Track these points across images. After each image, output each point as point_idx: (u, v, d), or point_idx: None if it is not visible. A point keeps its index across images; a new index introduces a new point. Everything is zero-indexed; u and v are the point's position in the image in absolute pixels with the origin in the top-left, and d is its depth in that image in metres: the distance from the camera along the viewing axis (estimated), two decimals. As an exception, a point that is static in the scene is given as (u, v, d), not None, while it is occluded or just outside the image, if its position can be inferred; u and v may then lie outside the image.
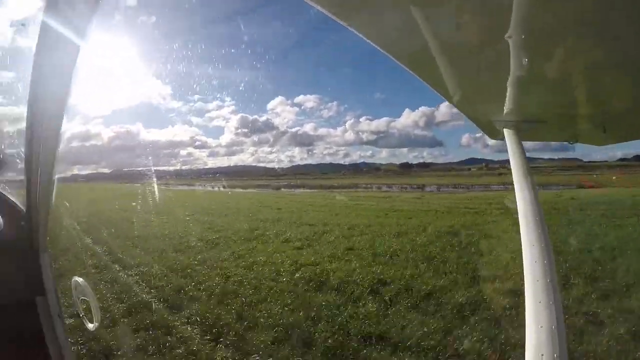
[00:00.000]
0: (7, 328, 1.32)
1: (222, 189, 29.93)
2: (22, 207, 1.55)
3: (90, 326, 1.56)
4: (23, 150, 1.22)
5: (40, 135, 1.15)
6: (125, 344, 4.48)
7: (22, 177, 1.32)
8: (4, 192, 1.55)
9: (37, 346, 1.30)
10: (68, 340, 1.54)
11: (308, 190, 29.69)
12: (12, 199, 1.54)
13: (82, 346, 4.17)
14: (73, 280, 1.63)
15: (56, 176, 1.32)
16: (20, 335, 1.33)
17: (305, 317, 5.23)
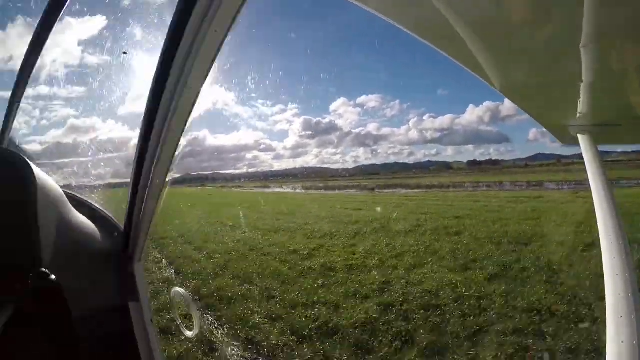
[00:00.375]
0: (101, 331, 1.38)
1: (303, 190, 30.54)
2: (117, 222, 1.65)
3: (188, 334, 1.62)
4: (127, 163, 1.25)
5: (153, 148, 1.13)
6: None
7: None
8: (103, 208, 1.66)
9: (128, 350, 1.33)
10: (159, 346, 1.59)
11: (395, 190, 28.10)
12: (109, 213, 1.65)
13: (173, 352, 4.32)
14: (173, 290, 1.69)
15: (155, 191, 1.30)
16: (113, 339, 1.38)
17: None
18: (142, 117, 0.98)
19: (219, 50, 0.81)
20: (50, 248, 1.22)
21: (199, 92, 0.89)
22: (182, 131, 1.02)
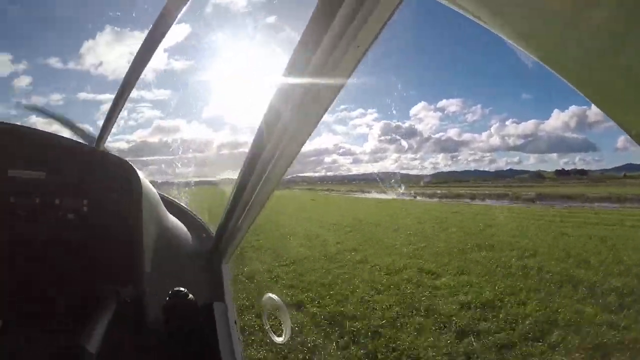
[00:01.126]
0: (188, 327, 1.44)
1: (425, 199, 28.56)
2: (206, 226, 1.74)
3: (278, 340, 1.62)
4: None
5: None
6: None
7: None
8: (190, 209, 1.76)
9: (210, 348, 1.38)
10: (241, 347, 1.61)
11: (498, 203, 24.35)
12: (197, 215, 1.74)
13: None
14: (265, 295, 1.67)
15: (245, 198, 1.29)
16: (198, 336, 1.44)
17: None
18: (259, 125, 0.94)
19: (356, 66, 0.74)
20: (150, 248, 1.30)
21: (330, 103, 0.82)
22: (302, 144, 0.96)
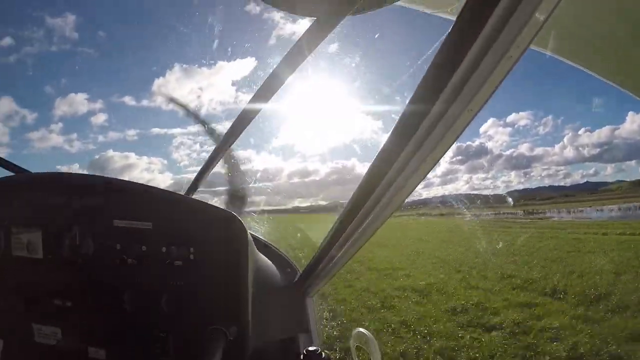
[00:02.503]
0: (273, 358, 1.50)
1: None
2: (290, 260, 1.79)
3: None
4: None
5: None
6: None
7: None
8: (277, 247, 1.82)
9: None
10: None
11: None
12: (283, 252, 1.81)
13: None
14: (356, 330, 1.66)
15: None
16: None
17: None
18: (372, 162, 0.89)
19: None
20: (249, 288, 1.35)
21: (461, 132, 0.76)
22: (420, 181, 0.91)
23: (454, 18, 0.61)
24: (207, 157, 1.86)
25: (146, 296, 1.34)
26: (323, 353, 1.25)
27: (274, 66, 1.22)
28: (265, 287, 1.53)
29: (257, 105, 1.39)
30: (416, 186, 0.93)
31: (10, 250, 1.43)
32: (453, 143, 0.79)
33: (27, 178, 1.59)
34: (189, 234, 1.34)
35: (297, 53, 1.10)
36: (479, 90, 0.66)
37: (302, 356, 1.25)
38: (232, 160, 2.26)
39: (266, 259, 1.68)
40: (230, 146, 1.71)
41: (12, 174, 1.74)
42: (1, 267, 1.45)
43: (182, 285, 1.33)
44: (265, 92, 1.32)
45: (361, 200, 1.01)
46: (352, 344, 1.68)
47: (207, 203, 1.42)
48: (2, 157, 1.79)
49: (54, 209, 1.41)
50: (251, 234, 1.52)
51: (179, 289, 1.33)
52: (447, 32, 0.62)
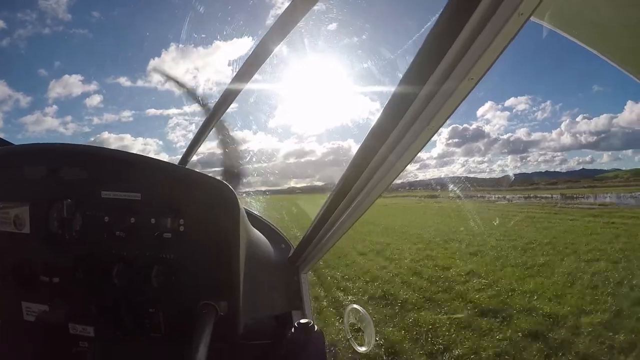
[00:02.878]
0: (267, 334, 1.48)
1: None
2: (285, 236, 1.80)
3: (361, 349, 1.65)
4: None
5: None
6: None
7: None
8: (271, 223, 1.82)
9: (289, 354, 1.35)
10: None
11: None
12: (277, 228, 1.81)
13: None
14: (349, 306, 1.72)
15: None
16: (276, 342, 1.45)
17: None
18: (364, 139, 0.88)
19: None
20: (242, 263, 1.33)
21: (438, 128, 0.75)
22: (410, 160, 0.90)
23: None
24: (198, 129, 1.82)
25: (135, 270, 1.31)
26: (315, 326, 1.23)
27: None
28: (259, 262, 1.51)
29: (246, 76, 1.36)
30: (407, 165, 0.92)
31: None
32: (445, 121, 0.77)
33: (10, 150, 1.52)
34: (179, 205, 1.30)
35: (286, 21, 1.06)
36: (474, 64, 0.64)
37: (293, 328, 1.24)
38: (227, 140, 2.24)
39: (259, 233, 1.67)
40: (220, 117, 1.67)
41: None
42: None
43: (172, 258, 1.30)
44: (256, 59, 1.27)
45: (353, 177, 1.00)
46: (345, 320, 1.72)
47: (197, 172, 1.35)
48: None
49: (40, 181, 1.35)
50: (245, 209, 1.49)
51: (169, 263, 1.30)
52: (444, 4, 0.60)
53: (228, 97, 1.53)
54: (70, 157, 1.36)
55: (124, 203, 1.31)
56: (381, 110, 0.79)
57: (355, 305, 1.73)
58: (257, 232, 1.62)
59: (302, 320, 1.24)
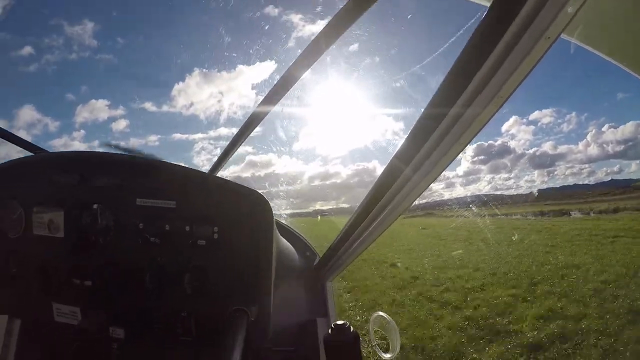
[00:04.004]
0: (292, 340, 1.51)
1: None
2: (310, 244, 1.81)
3: (386, 356, 1.63)
4: None
5: None
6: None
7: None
8: (297, 231, 1.83)
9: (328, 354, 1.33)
10: None
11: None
12: (303, 236, 1.81)
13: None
14: (375, 314, 1.70)
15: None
16: (300, 348, 1.48)
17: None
18: (392, 156, 0.89)
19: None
20: (272, 268, 1.34)
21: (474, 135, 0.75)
22: (435, 178, 0.90)
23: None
24: (222, 151, 1.86)
25: (169, 276, 1.32)
26: (351, 327, 1.23)
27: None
28: (286, 270, 1.52)
29: (273, 100, 1.40)
30: (430, 184, 0.94)
31: (31, 229, 1.40)
32: (468, 143, 0.78)
33: (47, 156, 1.56)
34: (213, 213, 1.32)
35: (313, 50, 1.09)
36: (501, 86, 0.65)
37: (330, 330, 1.23)
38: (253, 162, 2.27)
39: (286, 241, 1.67)
40: (244, 140, 1.71)
41: (31, 154, 1.70)
42: (22, 246, 1.43)
43: (206, 264, 1.32)
44: (284, 84, 1.32)
45: (379, 194, 1.02)
46: (370, 327, 1.69)
47: (231, 181, 1.38)
48: (22, 137, 1.75)
49: (75, 187, 1.38)
50: (277, 221, 1.53)
51: (202, 269, 1.32)
52: (472, 28, 0.61)
53: (254, 120, 1.58)
54: (105, 165, 1.40)
55: (159, 210, 1.33)
56: (407, 131, 0.81)
57: (381, 313, 1.71)
58: (283, 240, 1.63)
59: (339, 322, 1.24)
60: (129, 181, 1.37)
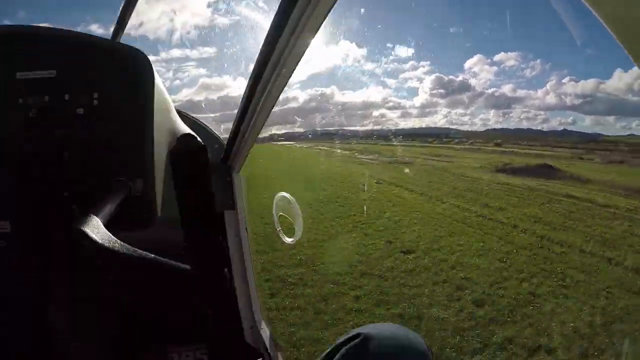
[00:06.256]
0: (199, 233, 1.45)
1: None
2: (220, 138, 1.80)
3: (289, 240, 1.73)
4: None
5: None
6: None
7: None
8: (210, 127, 1.81)
9: (221, 252, 1.43)
10: (250, 253, 1.72)
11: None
12: (213, 130, 1.80)
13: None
14: (278, 195, 1.75)
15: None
16: (208, 240, 1.46)
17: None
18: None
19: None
20: (163, 148, 1.31)
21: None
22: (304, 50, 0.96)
23: None
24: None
25: (49, 152, 1.25)
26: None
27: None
28: None
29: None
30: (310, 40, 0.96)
31: None
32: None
33: None
34: (93, 77, 1.24)
35: None
36: None
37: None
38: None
39: (190, 130, 1.61)
40: None
41: None
42: None
43: (86, 136, 1.24)
44: None
45: (262, 67, 1.05)
46: (274, 211, 1.72)
47: (119, 43, 1.31)
48: None
49: None
50: (180, 111, 1.50)
51: (82, 142, 1.24)
52: None
53: None
54: None
55: (39, 82, 1.24)
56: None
57: (283, 193, 1.73)
58: (187, 128, 1.56)
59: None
60: (9, 53, 1.26)
